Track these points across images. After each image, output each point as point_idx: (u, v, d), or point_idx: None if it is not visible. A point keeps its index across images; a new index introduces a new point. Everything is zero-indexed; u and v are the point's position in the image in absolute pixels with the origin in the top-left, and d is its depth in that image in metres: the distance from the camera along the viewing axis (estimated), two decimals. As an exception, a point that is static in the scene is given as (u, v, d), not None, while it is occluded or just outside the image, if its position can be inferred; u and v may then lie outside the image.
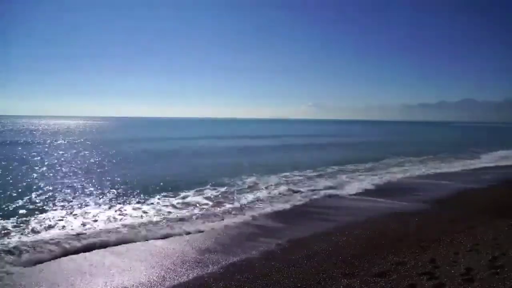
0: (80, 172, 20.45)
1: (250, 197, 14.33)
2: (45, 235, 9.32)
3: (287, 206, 12.99)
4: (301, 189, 15.85)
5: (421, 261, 7.15)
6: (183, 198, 14.01)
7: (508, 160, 27.80)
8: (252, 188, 16.23)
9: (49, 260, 7.81)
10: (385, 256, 7.58)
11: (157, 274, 7.13)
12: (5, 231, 9.52)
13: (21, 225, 10.12)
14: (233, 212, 12.03)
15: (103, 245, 8.74)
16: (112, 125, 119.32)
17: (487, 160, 28.31)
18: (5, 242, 8.66)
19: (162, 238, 9.38)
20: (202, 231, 9.97)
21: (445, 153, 32.85)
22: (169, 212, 11.96)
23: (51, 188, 15.63)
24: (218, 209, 12.56)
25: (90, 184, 16.66)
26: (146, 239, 9.30)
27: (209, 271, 7.26)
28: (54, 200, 13.38)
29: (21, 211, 11.55)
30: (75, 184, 16.71)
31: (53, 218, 10.92)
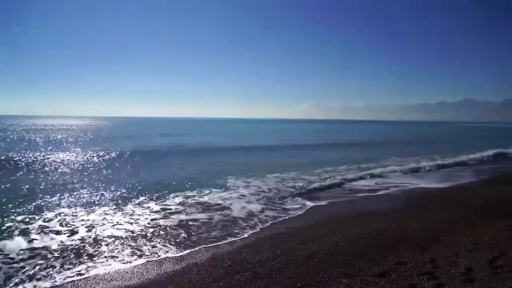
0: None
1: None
2: None
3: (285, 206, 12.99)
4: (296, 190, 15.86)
5: (421, 261, 7.15)
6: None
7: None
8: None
9: None
10: (385, 256, 7.58)
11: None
12: None
13: None
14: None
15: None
16: (114, 126, 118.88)
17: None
18: None
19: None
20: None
21: (444, 153, 32.84)
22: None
23: None
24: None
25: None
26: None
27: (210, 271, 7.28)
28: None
29: None
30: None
31: None
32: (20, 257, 8.04)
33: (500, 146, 37.17)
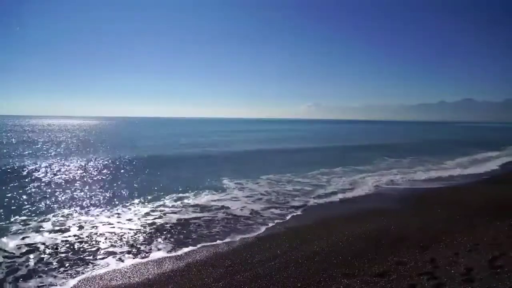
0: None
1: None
2: None
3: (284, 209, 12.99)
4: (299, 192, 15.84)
5: (421, 261, 7.15)
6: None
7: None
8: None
9: None
10: (385, 256, 7.58)
11: (157, 274, 7.11)
12: None
13: None
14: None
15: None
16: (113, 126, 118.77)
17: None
18: None
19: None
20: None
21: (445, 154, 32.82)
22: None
23: None
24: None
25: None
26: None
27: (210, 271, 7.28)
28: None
29: None
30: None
31: None
32: (23, 256, 8.08)
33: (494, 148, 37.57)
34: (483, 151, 35.63)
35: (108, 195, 14.69)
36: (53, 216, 11.27)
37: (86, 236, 9.45)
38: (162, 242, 9.16)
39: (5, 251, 8.37)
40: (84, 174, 19.95)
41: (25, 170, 20.62)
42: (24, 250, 8.42)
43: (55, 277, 7.13)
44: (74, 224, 10.44)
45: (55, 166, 22.46)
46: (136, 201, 13.55)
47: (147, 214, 11.75)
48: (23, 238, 9.20)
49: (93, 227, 10.27)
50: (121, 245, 8.88)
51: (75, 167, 22.54)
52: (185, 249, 8.65)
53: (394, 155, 30.90)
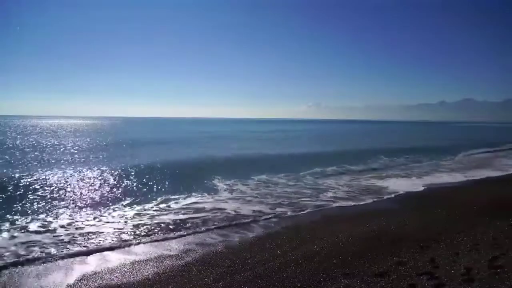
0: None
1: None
2: None
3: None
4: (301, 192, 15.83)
5: (421, 261, 7.15)
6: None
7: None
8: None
9: None
10: (385, 256, 7.58)
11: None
12: None
13: None
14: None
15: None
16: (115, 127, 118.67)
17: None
18: None
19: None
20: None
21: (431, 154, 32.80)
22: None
23: None
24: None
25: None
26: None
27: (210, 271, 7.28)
28: None
29: None
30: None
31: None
32: (19, 254, 8.09)
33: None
34: (482, 151, 35.63)
35: (104, 196, 14.71)
36: (49, 216, 11.31)
37: (85, 235, 9.47)
38: (161, 241, 9.17)
39: None
40: (82, 176, 19.94)
41: (24, 172, 20.61)
42: (20, 248, 8.43)
43: (53, 275, 7.13)
44: (70, 224, 10.47)
45: (54, 168, 22.45)
46: (133, 201, 13.57)
47: (145, 214, 11.78)
48: (12, 238, 9.23)
49: (90, 227, 10.29)
50: (119, 245, 8.88)
51: (74, 169, 22.53)
52: (185, 249, 8.65)
53: (392, 155, 30.85)
